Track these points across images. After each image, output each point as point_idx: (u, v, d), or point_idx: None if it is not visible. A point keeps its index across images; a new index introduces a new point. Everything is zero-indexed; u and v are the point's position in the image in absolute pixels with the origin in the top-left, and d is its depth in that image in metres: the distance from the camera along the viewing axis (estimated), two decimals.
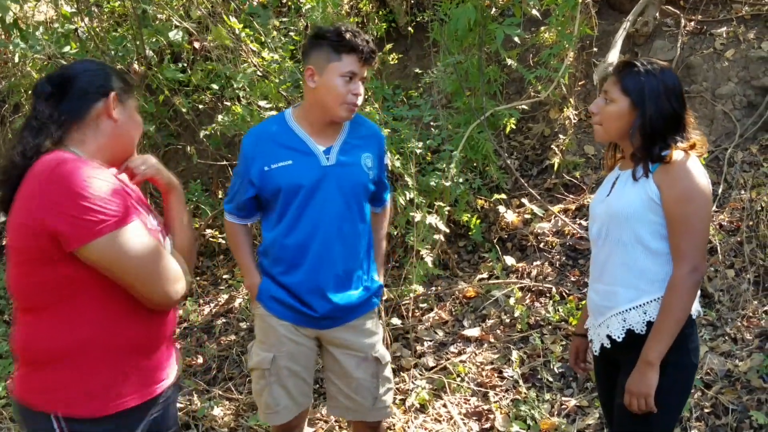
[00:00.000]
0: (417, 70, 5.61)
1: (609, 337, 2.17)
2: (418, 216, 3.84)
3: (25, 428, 1.81)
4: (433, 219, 3.88)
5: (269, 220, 2.50)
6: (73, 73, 1.84)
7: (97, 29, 4.53)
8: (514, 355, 3.72)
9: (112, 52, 4.44)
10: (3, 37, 5.33)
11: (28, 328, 1.75)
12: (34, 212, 1.64)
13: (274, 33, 4.31)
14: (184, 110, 4.98)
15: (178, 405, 3.86)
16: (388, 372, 2.67)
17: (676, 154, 2.03)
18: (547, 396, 3.46)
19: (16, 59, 4.42)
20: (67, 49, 4.07)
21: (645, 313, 2.09)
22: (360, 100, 2.38)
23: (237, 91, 4.23)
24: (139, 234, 1.69)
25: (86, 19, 4.57)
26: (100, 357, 1.73)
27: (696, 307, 2.13)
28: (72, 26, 4.44)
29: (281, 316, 2.48)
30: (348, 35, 2.32)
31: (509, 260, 4.37)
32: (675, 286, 2.02)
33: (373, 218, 2.65)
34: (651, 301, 2.09)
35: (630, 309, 2.11)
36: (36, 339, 1.73)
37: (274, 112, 4.16)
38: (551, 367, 3.63)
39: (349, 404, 2.61)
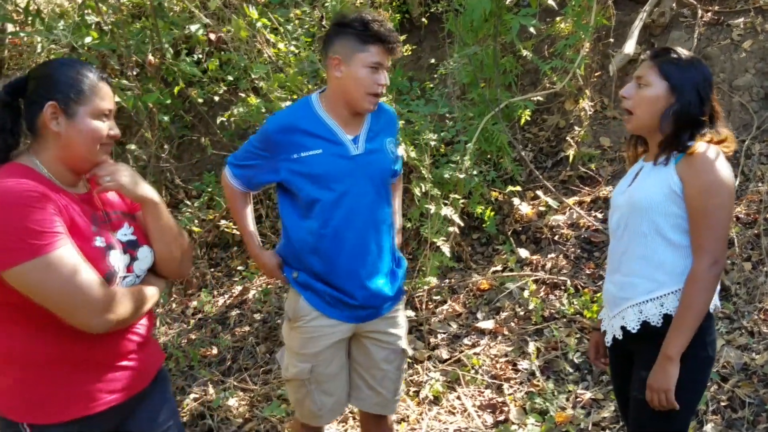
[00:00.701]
0: (432, 61, 5.59)
1: (623, 328, 2.16)
2: (432, 207, 3.83)
3: None
4: (447, 211, 3.87)
5: (295, 208, 2.47)
6: (25, 81, 1.81)
7: (115, 21, 4.53)
8: (531, 346, 3.71)
9: (131, 43, 4.44)
10: (19, 27, 5.35)
11: None
12: None
13: (296, 21, 4.30)
14: (200, 101, 4.98)
15: (193, 395, 3.89)
16: (405, 365, 2.72)
17: (700, 146, 2.01)
18: (562, 388, 3.46)
19: (39, 49, 4.43)
20: (88, 40, 4.08)
21: (662, 306, 2.08)
22: (383, 90, 2.38)
23: (256, 82, 4.22)
24: (57, 264, 1.64)
25: (104, 11, 4.57)
26: (41, 369, 1.74)
27: (714, 301, 2.11)
28: (91, 18, 4.45)
29: (323, 311, 2.46)
30: (374, 25, 2.31)
31: (523, 253, 4.36)
32: (695, 280, 2.00)
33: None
34: (668, 294, 2.07)
35: (647, 301, 2.10)
36: None
37: (288, 103, 4.15)
38: (566, 359, 3.62)
39: (372, 396, 2.62)
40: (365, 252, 2.44)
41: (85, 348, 1.78)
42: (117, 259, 1.82)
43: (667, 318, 2.07)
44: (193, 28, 4.23)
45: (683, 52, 2.11)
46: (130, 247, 1.89)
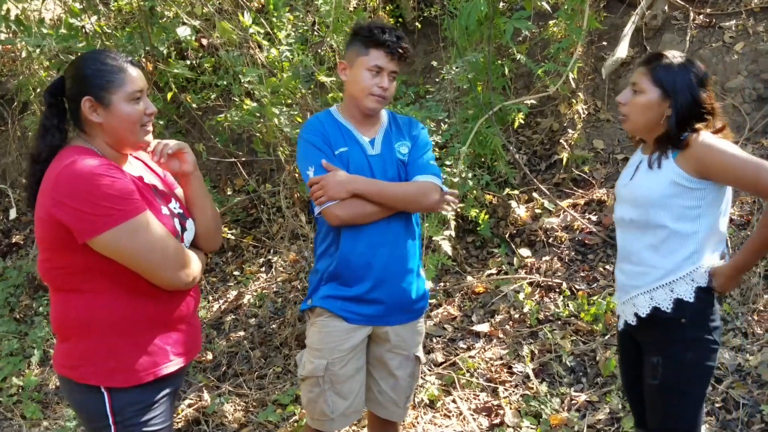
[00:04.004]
0: (426, 65, 5.59)
1: (635, 314, 2.22)
2: None
3: (69, 400, 1.96)
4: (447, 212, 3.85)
5: None
6: (62, 81, 1.94)
7: (105, 26, 4.53)
8: (525, 350, 3.72)
9: (122, 48, 4.44)
10: (9, 35, 5.34)
11: (58, 305, 1.90)
12: (48, 208, 1.77)
13: (289, 26, 4.30)
14: (195, 105, 4.98)
15: (188, 401, 3.88)
16: (419, 372, 2.73)
17: (693, 137, 2.09)
18: (557, 391, 3.46)
19: (23, 55, 4.43)
20: (78, 45, 4.08)
21: (672, 291, 2.15)
22: (388, 93, 2.46)
23: (249, 86, 4.22)
24: (143, 226, 1.80)
25: (93, 17, 4.57)
26: (122, 332, 1.86)
27: (723, 250, 2.20)
28: (79, 23, 4.44)
29: (340, 314, 2.47)
30: (376, 31, 2.42)
31: (524, 252, 4.36)
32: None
33: None
34: (677, 280, 2.14)
35: (657, 287, 2.16)
36: (66, 315, 1.88)
37: (284, 108, 4.15)
38: (561, 362, 3.63)
39: (382, 400, 2.62)
40: (379, 252, 2.45)
41: (159, 309, 1.92)
42: (178, 227, 1.98)
43: (677, 302, 2.13)
44: (183, 32, 4.22)
45: (675, 54, 2.17)
46: (181, 219, 2.02)
